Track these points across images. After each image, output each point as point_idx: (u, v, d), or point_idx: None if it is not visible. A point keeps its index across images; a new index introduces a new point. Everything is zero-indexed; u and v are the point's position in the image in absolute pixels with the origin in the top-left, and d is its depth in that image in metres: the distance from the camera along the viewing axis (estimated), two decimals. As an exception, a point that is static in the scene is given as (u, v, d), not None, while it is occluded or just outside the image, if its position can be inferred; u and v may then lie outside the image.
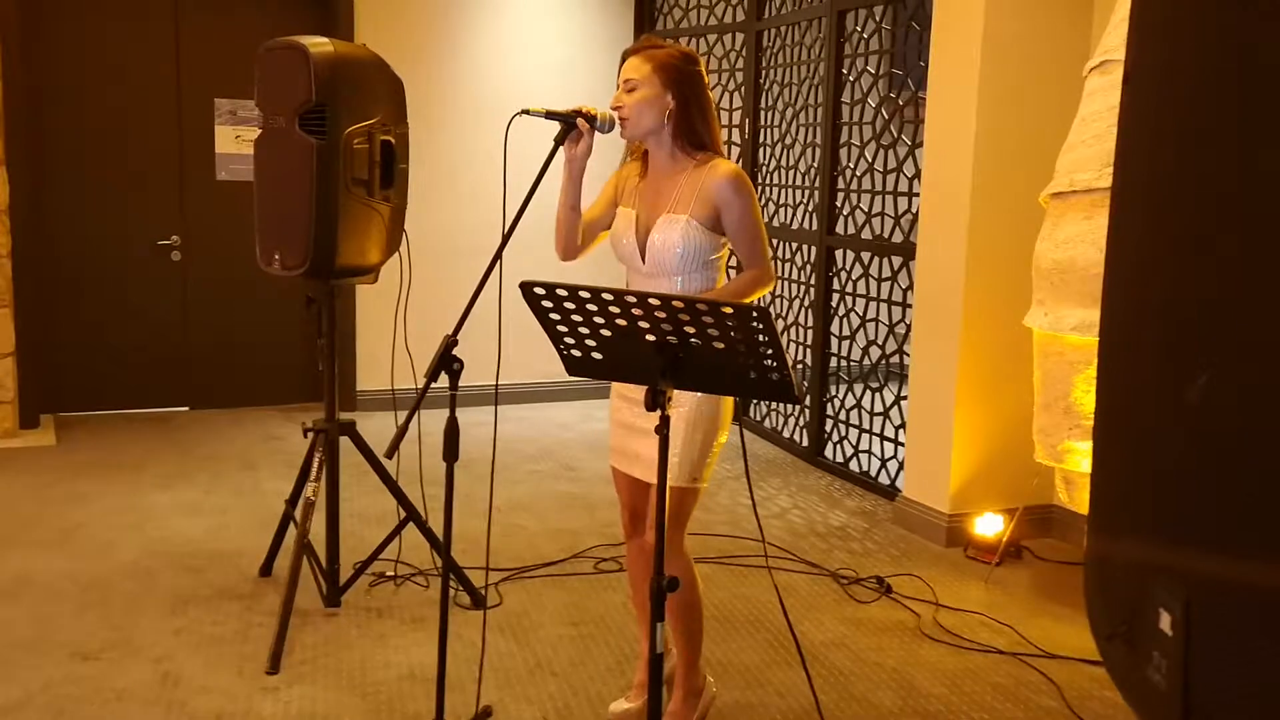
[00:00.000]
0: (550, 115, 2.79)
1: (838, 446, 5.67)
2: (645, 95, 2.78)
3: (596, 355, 2.37)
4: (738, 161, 6.19)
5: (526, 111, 2.76)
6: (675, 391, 2.39)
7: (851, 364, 5.63)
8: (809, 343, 5.84)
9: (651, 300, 2.16)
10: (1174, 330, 0.94)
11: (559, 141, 2.78)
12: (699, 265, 2.79)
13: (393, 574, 3.98)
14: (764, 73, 6.17)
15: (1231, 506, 0.87)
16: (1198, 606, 0.88)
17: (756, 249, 2.79)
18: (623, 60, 2.85)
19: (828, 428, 5.74)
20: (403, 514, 3.78)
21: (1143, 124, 1.03)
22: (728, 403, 2.85)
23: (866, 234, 5.40)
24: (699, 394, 2.75)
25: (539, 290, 2.22)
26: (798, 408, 5.97)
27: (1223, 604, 0.86)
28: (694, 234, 2.75)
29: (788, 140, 6.00)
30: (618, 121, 2.81)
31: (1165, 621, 0.92)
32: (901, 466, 5.02)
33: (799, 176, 5.93)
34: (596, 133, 2.82)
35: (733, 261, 2.88)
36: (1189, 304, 0.92)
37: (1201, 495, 0.93)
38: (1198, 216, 0.91)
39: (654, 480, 2.82)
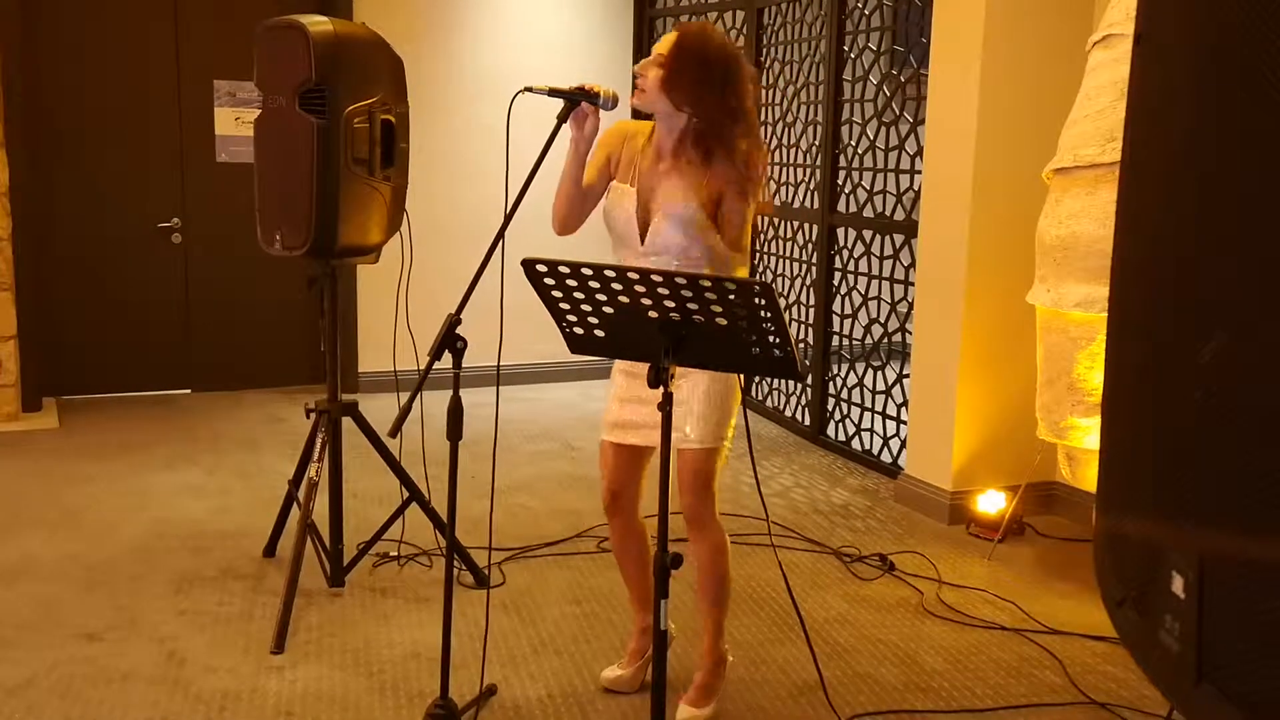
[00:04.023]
0: (553, 93, 2.78)
1: (840, 425, 5.67)
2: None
3: (599, 333, 2.36)
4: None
5: (529, 89, 2.75)
6: None
7: (853, 342, 5.63)
8: (811, 321, 5.83)
9: (654, 277, 2.15)
10: (1187, 298, 0.93)
11: (562, 119, 2.77)
12: (696, 246, 2.80)
13: (396, 554, 3.99)
14: (765, 50, 6.14)
15: (1242, 479, 0.87)
16: (1210, 569, 0.88)
17: (741, 237, 2.82)
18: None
19: (830, 406, 5.74)
20: (406, 494, 3.78)
21: (1155, 86, 1.03)
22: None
23: (868, 212, 5.39)
24: None
25: (541, 267, 2.22)
26: (799, 386, 5.97)
27: (1236, 566, 0.86)
28: (699, 218, 2.78)
29: (789, 118, 5.98)
30: (625, 97, 2.82)
31: (1178, 584, 0.92)
32: (904, 444, 5.02)
33: (800, 155, 5.91)
34: (601, 110, 2.82)
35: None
36: (1203, 270, 0.91)
37: (1211, 468, 0.92)
38: (1213, 180, 0.91)
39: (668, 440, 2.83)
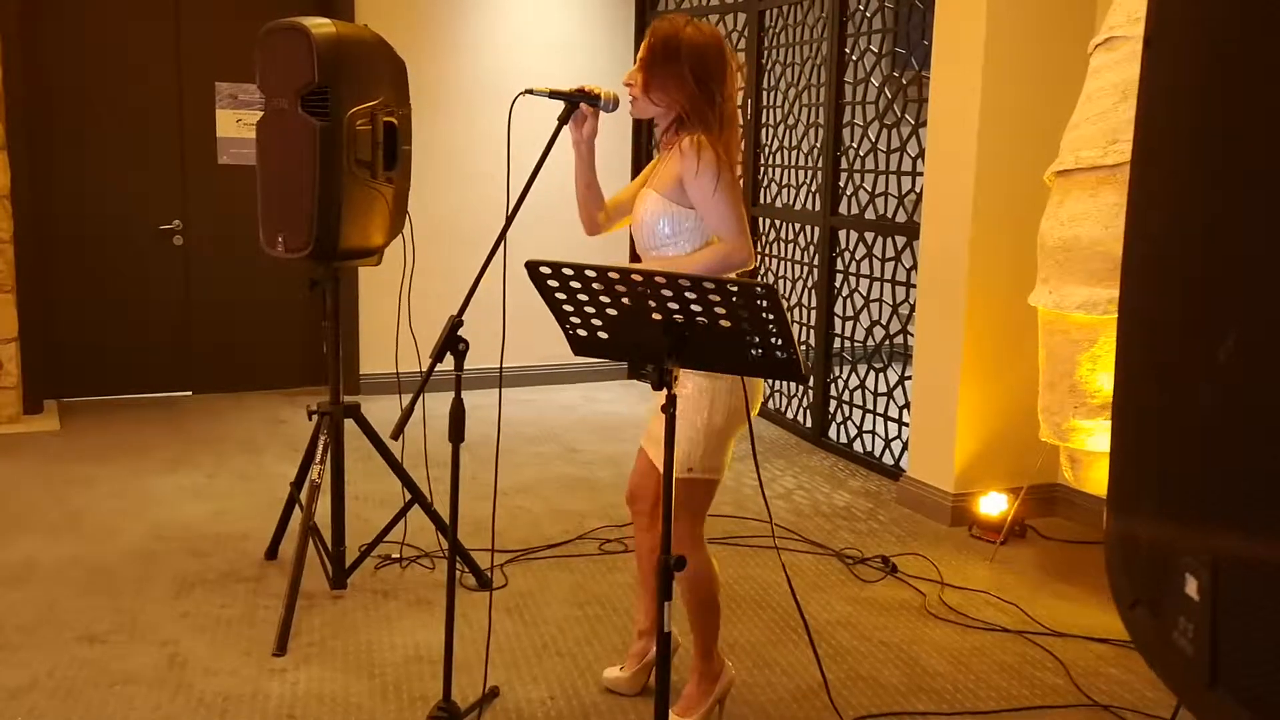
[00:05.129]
0: (554, 95, 2.78)
1: (842, 427, 5.67)
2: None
3: (602, 335, 2.36)
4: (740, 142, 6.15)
5: (530, 91, 2.76)
6: (682, 379, 2.37)
7: (855, 344, 5.63)
8: (812, 323, 5.83)
9: (657, 279, 2.15)
10: (1198, 297, 0.93)
11: (563, 121, 2.78)
12: (682, 238, 2.77)
13: (398, 556, 3.99)
14: (766, 52, 6.14)
15: (1256, 479, 0.86)
16: (1225, 571, 0.88)
17: (725, 222, 2.69)
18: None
19: (831, 408, 5.74)
20: (408, 496, 3.78)
21: (1164, 88, 1.02)
22: (738, 392, 2.75)
23: (870, 214, 5.39)
24: (700, 382, 2.73)
25: (545, 269, 2.22)
26: (801, 388, 5.97)
27: (1252, 568, 0.86)
28: (666, 209, 2.74)
29: (790, 120, 5.98)
30: (624, 99, 2.82)
31: (1191, 587, 0.91)
32: (905, 446, 5.02)
33: (802, 157, 5.91)
34: (602, 113, 2.82)
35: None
36: (1214, 270, 0.91)
37: (1225, 469, 0.92)
38: (1225, 176, 0.90)
39: (657, 461, 2.83)
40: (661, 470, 2.91)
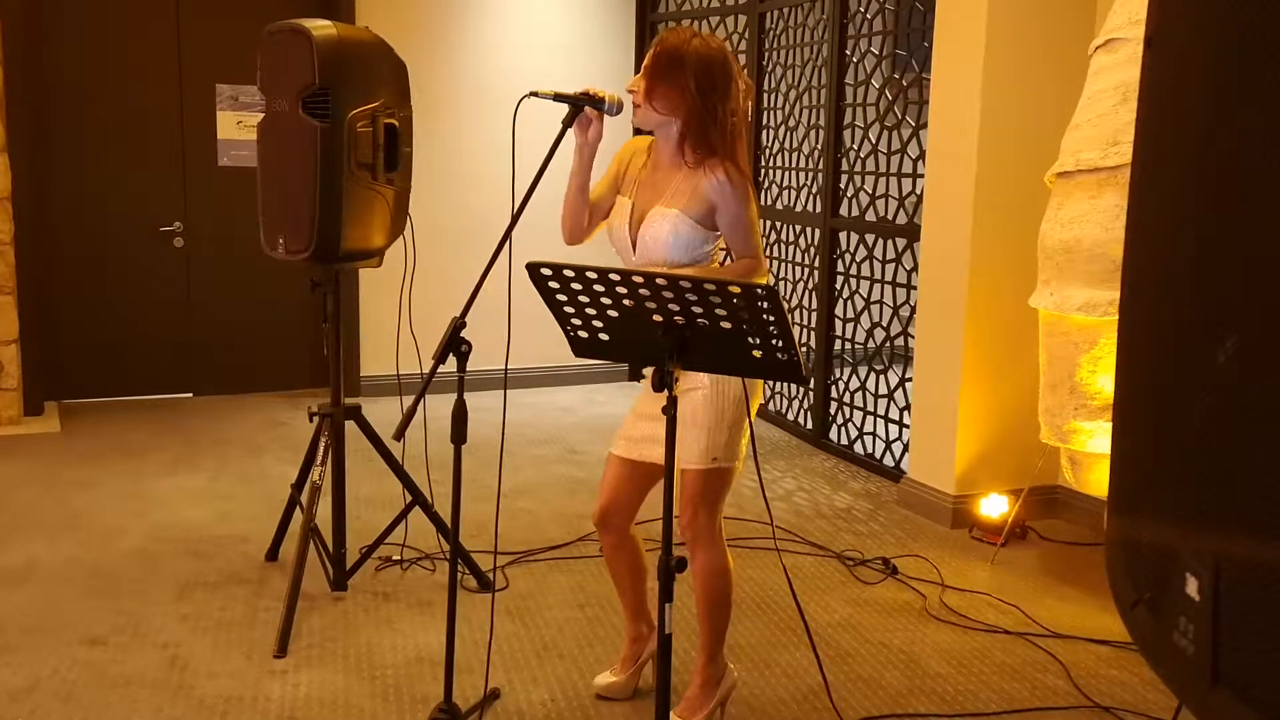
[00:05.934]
0: (558, 97, 2.78)
1: (842, 429, 5.67)
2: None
3: (603, 336, 2.36)
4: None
5: (534, 94, 2.76)
6: (691, 372, 2.37)
7: (856, 346, 5.63)
8: (813, 325, 5.83)
9: (659, 281, 2.15)
10: (1202, 298, 0.93)
11: (567, 124, 2.77)
12: (689, 257, 2.78)
13: (399, 558, 3.99)
14: (766, 54, 6.14)
15: (1257, 480, 0.87)
16: (1226, 571, 0.88)
17: (750, 242, 2.79)
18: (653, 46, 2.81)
19: (832, 410, 5.74)
20: (408, 498, 3.78)
21: (1166, 88, 1.03)
22: (755, 381, 2.80)
23: (870, 216, 5.39)
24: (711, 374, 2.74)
25: (546, 271, 2.22)
26: (802, 390, 5.98)
27: (1253, 568, 0.86)
28: (684, 228, 2.75)
29: (791, 122, 5.98)
30: (628, 103, 2.82)
31: (1192, 587, 0.92)
32: (906, 448, 5.02)
33: (802, 159, 5.91)
34: (605, 116, 2.82)
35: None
36: (1216, 271, 0.91)
37: (1226, 470, 0.92)
38: (1227, 177, 0.91)
39: (658, 463, 2.82)
40: (662, 472, 2.91)
